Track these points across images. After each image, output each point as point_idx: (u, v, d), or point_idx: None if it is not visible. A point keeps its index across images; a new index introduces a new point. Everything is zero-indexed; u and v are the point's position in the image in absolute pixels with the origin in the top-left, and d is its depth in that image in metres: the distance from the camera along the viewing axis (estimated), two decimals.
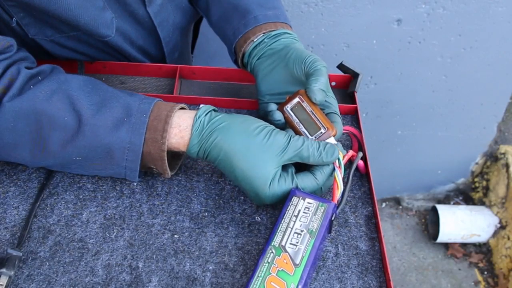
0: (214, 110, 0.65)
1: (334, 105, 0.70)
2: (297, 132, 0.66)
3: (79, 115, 0.61)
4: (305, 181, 0.63)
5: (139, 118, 0.62)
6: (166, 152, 0.62)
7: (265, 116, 0.69)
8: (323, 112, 0.67)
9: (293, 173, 0.63)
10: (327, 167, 0.64)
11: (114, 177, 0.69)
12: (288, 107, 0.67)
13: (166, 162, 0.63)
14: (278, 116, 0.68)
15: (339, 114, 0.69)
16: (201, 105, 0.66)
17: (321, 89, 0.65)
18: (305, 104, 0.66)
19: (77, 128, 0.61)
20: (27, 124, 0.61)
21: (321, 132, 0.65)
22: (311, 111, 0.66)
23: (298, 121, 0.66)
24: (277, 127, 0.64)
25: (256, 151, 0.61)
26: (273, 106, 0.69)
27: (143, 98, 0.64)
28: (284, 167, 0.63)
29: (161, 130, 0.61)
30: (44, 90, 0.62)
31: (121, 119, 0.61)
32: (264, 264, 0.55)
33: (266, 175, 0.60)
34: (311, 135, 0.65)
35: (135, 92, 0.72)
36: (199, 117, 0.63)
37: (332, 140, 0.65)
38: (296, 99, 0.67)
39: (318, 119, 0.65)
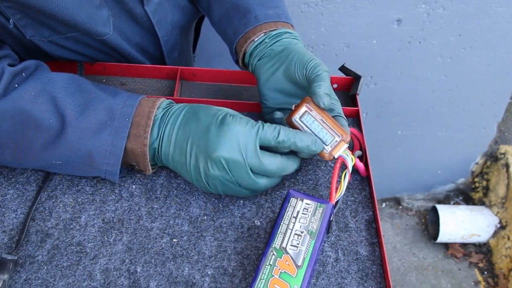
0: None
1: (338, 106, 0.69)
2: None
3: (62, 117, 0.62)
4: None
5: (121, 122, 0.63)
6: (148, 148, 0.63)
7: None
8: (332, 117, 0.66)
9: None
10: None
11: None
12: (296, 117, 0.65)
13: (148, 158, 0.64)
14: None
15: (343, 116, 0.68)
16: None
17: (326, 93, 0.64)
18: (313, 113, 0.64)
19: (61, 130, 0.61)
20: (12, 124, 0.61)
21: (336, 140, 0.63)
22: (321, 119, 0.64)
23: (310, 131, 0.64)
24: None
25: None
26: (279, 115, 0.69)
27: (126, 99, 0.65)
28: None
29: (144, 125, 0.63)
30: (28, 91, 0.62)
31: (104, 122, 0.62)
32: (266, 266, 0.54)
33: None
34: (327, 144, 0.64)
35: (135, 93, 0.72)
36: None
37: (344, 146, 0.64)
38: (304, 108, 0.65)
39: (330, 127, 0.64)
